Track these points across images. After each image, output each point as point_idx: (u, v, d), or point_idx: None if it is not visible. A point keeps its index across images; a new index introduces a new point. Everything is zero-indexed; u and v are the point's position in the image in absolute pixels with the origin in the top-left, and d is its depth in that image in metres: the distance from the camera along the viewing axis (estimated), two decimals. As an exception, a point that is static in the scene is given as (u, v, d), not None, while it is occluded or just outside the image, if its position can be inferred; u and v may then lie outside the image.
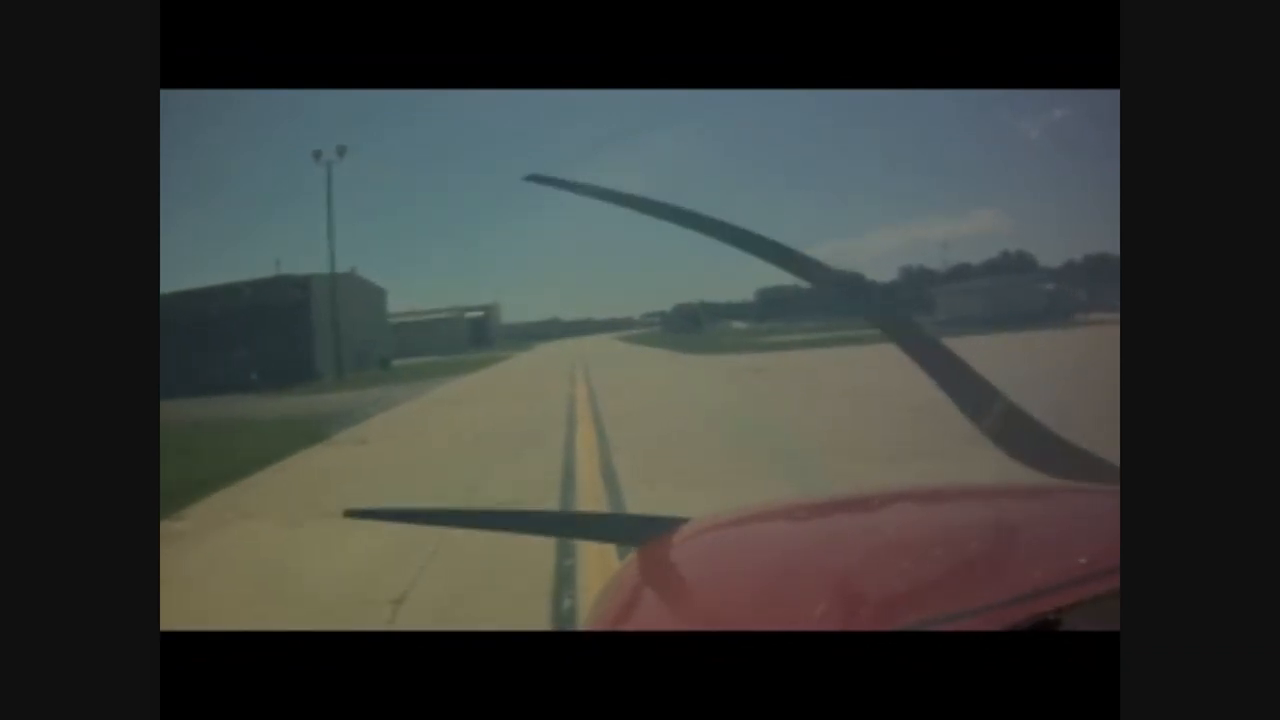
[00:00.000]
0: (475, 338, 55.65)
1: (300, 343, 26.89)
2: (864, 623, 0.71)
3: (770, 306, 60.43)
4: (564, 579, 3.46)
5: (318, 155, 28.75)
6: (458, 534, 3.92)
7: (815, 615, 0.72)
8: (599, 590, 0.93)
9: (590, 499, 5.00)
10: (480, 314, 60.84)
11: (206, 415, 13.03)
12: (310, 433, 9.83)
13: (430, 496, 5.43)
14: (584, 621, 0.87)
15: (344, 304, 28.61)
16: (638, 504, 4.63)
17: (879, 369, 14.58)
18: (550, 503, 4.90)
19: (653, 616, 0.81)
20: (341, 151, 28.93)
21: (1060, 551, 0.78)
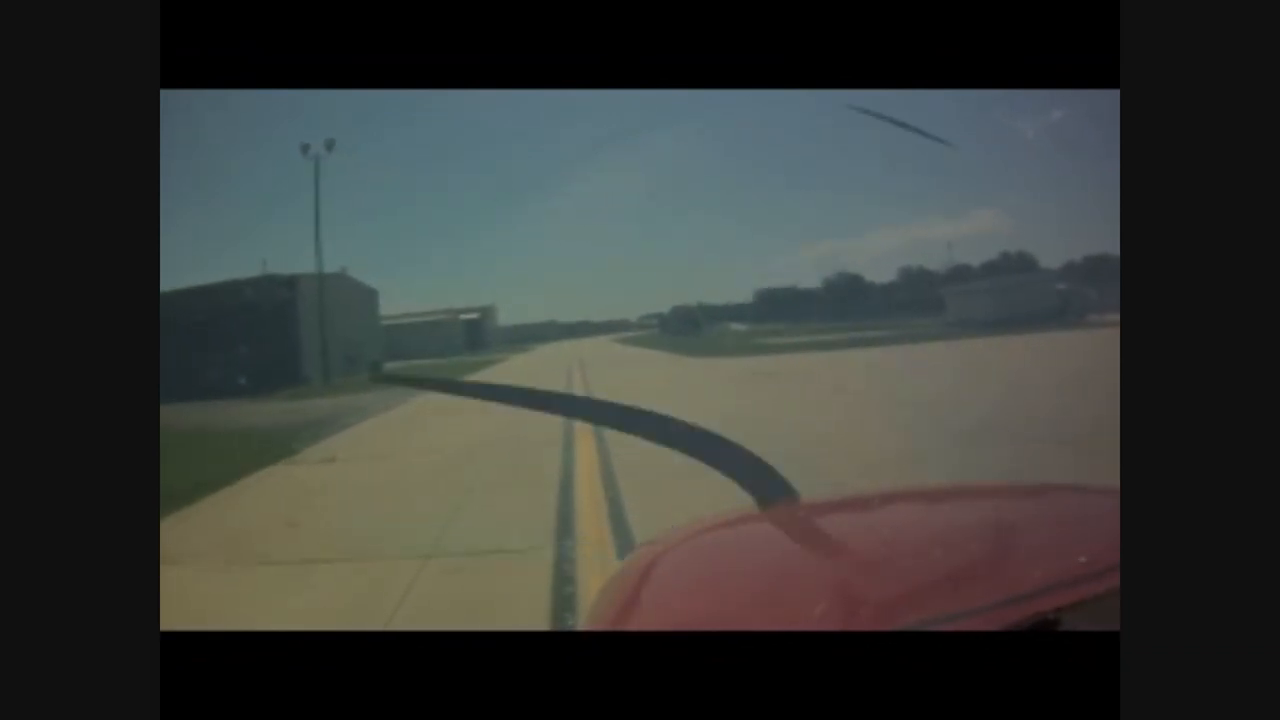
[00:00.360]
0: (471, 340, 54.71)
1: (285, 346, 25.50)
2: (864, 623, 0.71)
3: (768, 308, 60.30)
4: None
5: (305, 149, 26.84)
6: (424, 590, 3.25)
7: (815, 615, 0.72)
8: (599, 590, 0.93)
9: (594, 552, 3.75)
10: (476, 316, 59.69)
11: (167, 424, 11.71)
12: (277, 447, 8.46)
13: (393, 537, 4.31)
14: (584, 621, 0.87)
15: (333, 305, 27.38)
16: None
17: (888, 371, 13.64)
18: (544, 555, 3.66)
19: (653, 616, 0.81)
20: (330, 145, 27.03)
21: (1060, 551, 0.78)
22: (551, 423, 9.01)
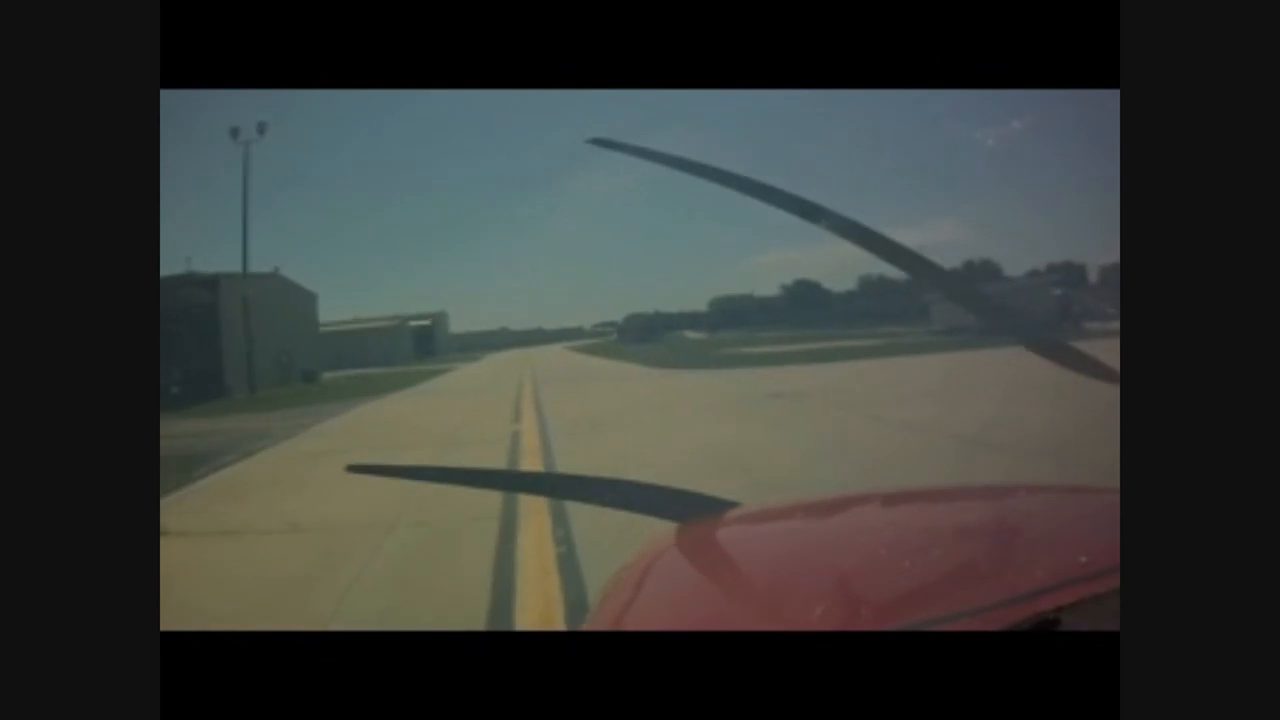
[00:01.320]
0: (420, 348, 51.47)
1: (204, 354, 22.16)
2: (864, 623, 0.71)
3: (726, 316, 60.04)
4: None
5: (235, 133, 23.92)
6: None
7: (815, 615, 0.72)
8: (600, 590, 0.93)
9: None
10: (426, 323, 55.76)
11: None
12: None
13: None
14: (584, 621, 0.87)
15: (263, 309, 24.45)
16: None
17: (922, 390, 9.93)
18: None
19: (653, 616, 0.81)
20: (262, 128, 24.34)
21: (1060, 551, 0.78)
22: (483, 491, 5.30)
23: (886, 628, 0.67)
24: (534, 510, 4.67)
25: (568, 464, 6.62)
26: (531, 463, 6.89)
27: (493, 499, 5.00)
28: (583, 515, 4.30)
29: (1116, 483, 0.71)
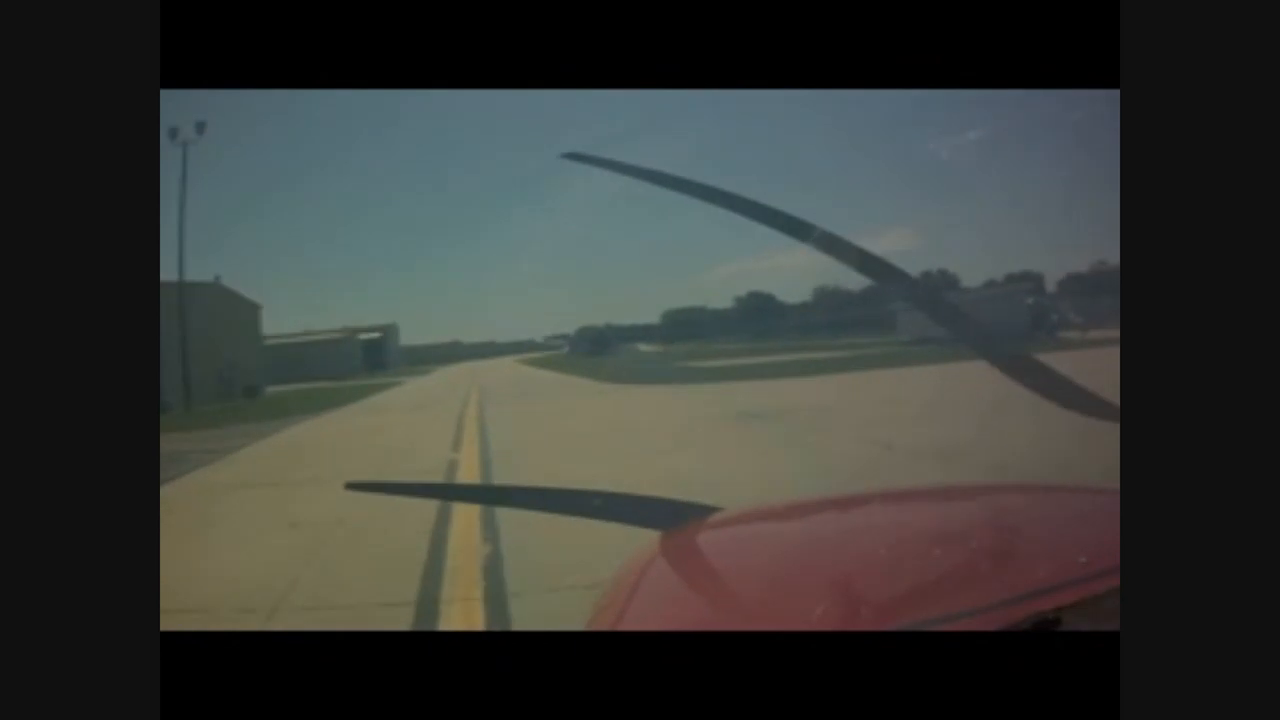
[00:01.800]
0: (370, 362, 50.66)
1: None
2: (864, 623, 0.71)
3: (678, 328, 60.22)
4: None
5: (174, 134, 22.56)
6: None
7: (815, 615, 0.72)
8: (601, 590, 0.93)
9: None
10: (376, 336, 55.19)
11: None
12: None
13: None
14: (584, 621, 0.87)
15: (203, 320, 23.49)
16: None
17: (915, 409, 8.07)
18: None
19: (653, 616, 0.81)
20: (201, 128, 23.18)
21: (1060, 551, 0.78)
22: (406, 558, 4.10)
23: (886, 628, 0.67)
24: (462, 596, 3.43)
25: (509, 511, 4.92)
26: (462, 531, 5.14)
27: (411, 575, 3.87)
28: (528, 604, 3.13)
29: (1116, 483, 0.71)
